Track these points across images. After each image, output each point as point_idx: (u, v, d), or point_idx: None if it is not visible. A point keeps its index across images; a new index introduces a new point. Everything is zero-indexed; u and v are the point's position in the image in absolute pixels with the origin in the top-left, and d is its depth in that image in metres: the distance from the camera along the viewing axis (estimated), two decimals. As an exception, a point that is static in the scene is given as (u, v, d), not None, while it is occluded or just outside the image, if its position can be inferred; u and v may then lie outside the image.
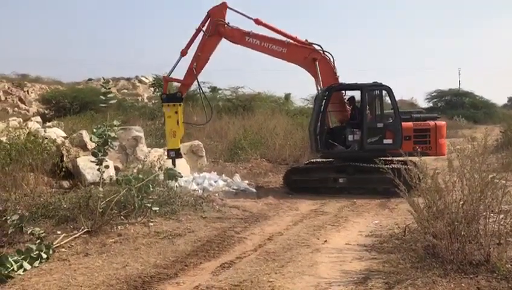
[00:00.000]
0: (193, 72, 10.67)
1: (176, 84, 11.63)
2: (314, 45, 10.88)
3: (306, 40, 10.94)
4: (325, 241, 6.51)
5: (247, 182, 11.15)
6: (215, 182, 10.45)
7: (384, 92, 10.57)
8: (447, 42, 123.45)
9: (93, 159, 7.01)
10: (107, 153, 6.90)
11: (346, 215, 8.24)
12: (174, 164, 10.32)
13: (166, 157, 10.54)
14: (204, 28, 10.69)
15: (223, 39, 10.85)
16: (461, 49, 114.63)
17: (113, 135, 6.89)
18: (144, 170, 8.57)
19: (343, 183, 10.19)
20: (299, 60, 10.90)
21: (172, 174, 7.14)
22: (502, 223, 5.30)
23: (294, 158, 14.81)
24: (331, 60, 10.85)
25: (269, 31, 10.91)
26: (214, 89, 29.65)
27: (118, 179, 7.12)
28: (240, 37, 10.80)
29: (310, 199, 9.64)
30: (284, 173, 11.24)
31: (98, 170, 6.87)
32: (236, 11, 10.84)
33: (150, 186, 7.01)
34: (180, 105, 10.59)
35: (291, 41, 10.86)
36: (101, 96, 7.30)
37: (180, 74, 10.92)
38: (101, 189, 6.77)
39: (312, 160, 11.88)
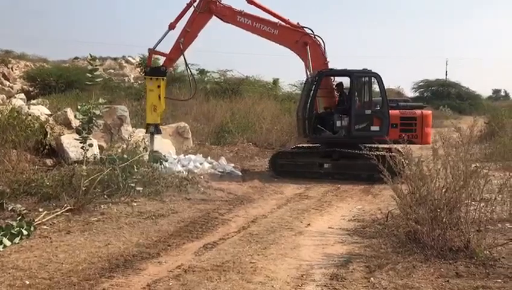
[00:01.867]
0: (179, 47, 10.51)
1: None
2: (305, 29, 10.81)
3: (298, 23, 10.87)
4: (308, 224, 6.55)
5: (232, 165, 11.13)
6: (200, 164, 10.40)
7: (373, 79, 10.54)
8: (436, 32, 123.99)
9: (77, 136, 6.93)
10: (91, 131, 6.82)
11: (330, 200, 8.29)
12: (152, 138, 10.18)
13: (145, 132, 10.33)
14: (195, 4, 10.51)
15: (214, 17, 10.69)
16: (450, 40, 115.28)
17: (98, 112, 6.80)
18: (129, 150, 8.49)
19: (328, 168, 10.23)
20: (289, 43, 10.82)
21: (157, 157, 7.09)
22: (482, 211, 5.38)
23: (281, 143, 14.83)
24: (322, 44, 10.80)
25: (261, 11, 10.83)
26: (202, 72, 29.40)
27: (102, 158, 7.07)
28: (231, 15, 10.67)
29: (295, 183, 9.67)
30: (270, 157, 11.24)
31: (82, 148, 6.79)
32: None
33: (135, 166, 6.95)
34: (163, 79, 10.38)
35: (283, 23, 10.78)
36: (88, 74, 7.18)
37: (166, 48, 10.76)
38: (84, 167, 6.70)
39: (298, 145, 11.89)
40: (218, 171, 10.33)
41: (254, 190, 8.94)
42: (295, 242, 5.69)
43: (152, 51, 10.79)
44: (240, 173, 10.50)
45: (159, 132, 10.44)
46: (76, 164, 8.33)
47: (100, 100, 6.94)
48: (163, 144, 11.31)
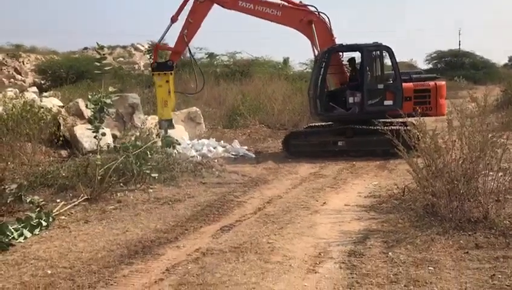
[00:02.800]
0: (184, 39, 10.44)
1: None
2: (309, 7, 10.63)
3: (300, 2, 10.69)
4: (324, 203, 6.52)
5: (246, 147, 11.12)
6: (214, 148, 10.42)
7: (384, 53, 10.36)
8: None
9: (89, 126, 6.96)
10: (103, 120, 6.84)
11: (345, 177, 8.24)
12: (166, 134, 9.97)
13: (158, 127, 10.33)
14: None
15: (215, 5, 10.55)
16: (461, 4, 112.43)
17: (108, 101, 6.81)
18: (142, 137, 8.52)
19: (342, 146, 10.13)
20: (294, 23, 10.65)
21: (169, 141, 7.10)
22: (500, 180, 5.29)
23: (294, 123, 14.72)
24: (327, 21, 10.62)
25: None
26: (211, 55, 29.29)
27: (116, 146, 7.10)
28: (232, 2, 10.53)
29: (309, 162, 9.62)
30: (283, 138, 11.18)
31: (95, 137, 6.82)
32: None
33: (148, 153, 6.98)
34: (171, 74, 10.31)
35: (286, 3, 10.61)
36: (96, 63, 7.18)
37: (171, 41, 10.84)
38: (98, 156, 6.74)
39: (311, 124, 11.81)
40: (232, 155, 10.34)
41: (268, 171, 8.92)
42: (311, 221, 5.68)
43: (158, 46, 10.84)
44: (254, 155, 10.49)
45: (171, 127, 10.40)
46: (90, 154, 8.41)
47: (110, 89, 6.94)
48: (176, 130, 11.32)
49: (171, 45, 10.94)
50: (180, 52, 10.95)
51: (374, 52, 10.16)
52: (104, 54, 6.99)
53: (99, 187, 6.77)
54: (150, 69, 28.59)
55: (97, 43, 7.16)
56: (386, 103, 9.85)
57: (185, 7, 10.48)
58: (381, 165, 8.99)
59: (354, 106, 10.08)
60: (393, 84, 9.95)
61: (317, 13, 10.56)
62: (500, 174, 5.47)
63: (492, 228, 4.85)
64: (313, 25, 10.42)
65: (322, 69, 10.11)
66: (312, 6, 10.60)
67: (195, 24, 10.52)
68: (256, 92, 17.87)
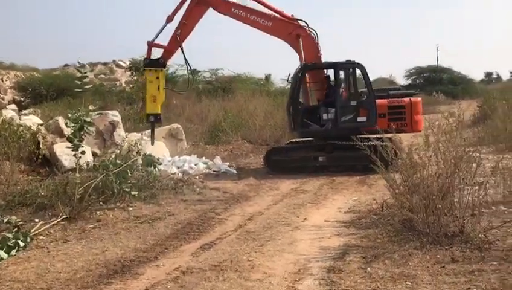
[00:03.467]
0: (177, 39, 10.70)
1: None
2: (299, 21, 10.85)
3: (292, 16, 10.92)
4: (305, 219, 6.57)
5: (227, 163, 11.13)
6: (195, 164, 10.41)
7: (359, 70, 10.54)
8: (426, 17, 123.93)
9: (69, 145, 6.91)
10: (83, 138, 6.80)
11: (325, 193, 8.31)
12: (153, 129, 10.63)
13: (145, 122, 10.69)
14: None
15: (210, 10, 10.82)
16: (440, 25, 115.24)
17: (88, 120, 6.78)
18: (122, 155, 8.48)
19: (323, 161, 10.24)
20: (283, 35, 10.88)
21: (150, 160, 7.08)
22: (475, 195, 5.41)
23: (275, 139, 14.80)
24: (316, 37, 10.82)
25: (255, 3, 10.89)
26: (193, 72, 29.33)
27: (95, 165, 7.05)
28: (226, 7, 10.83)
29: (290, 178, 9.68)
30: (264, 153, 11.24)
31: (75, 155, 6.77)
32: None
33: (128, 171, 6.95)
34: (161, 71, 10.70)
35: (277, 15, 10.84)
36: (77, 81, 7.16)
37: (164, 41, 10.96)
38: (77, 175, 6.69)
39: (292, 140, 11.90)
40: (214, 171, 10.34)
41: (250, 188, 8.95)
42: (292, 237, 5.71)
43: (151, 44, 10.96)
44: (235, 172, 10.51)
45: (159, 121, 10.85)
46: (70, 172, 8.33)
47: (90, 107, 6.93)
48: (157, 147, 11.30)
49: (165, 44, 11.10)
50: (172, 51, 11.09)
51: (347, 70, 10.33)
52: (85, 73, 6.97)
53: (79, 206, 6.71)
54: (131, 86, 28.62)
55: (78, 62, 7.18)
56: (360, 119, 10.00)
57: (182, 8, 10.76)
58: (361, 181, 9.10)
59: (327, 122, 10.22)
60: (367, 101, 10.11)
61: (306, 28, 10.76)
62: (476, 189, 5.59)
63: (468, 242, 4.95)
64: (301, 39, 10.61)
65: (297, 86, 10.26)
66: (303, 21, 10.81)
67: (189, 25, 10.80)
68: (238, 108, 17.97)
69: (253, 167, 11.52)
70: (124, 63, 43.19)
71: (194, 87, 24.36)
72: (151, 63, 10.76)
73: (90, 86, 7.03)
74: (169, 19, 10.71)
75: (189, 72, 12.00)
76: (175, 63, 23.81)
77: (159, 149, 11.23)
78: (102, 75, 42.89)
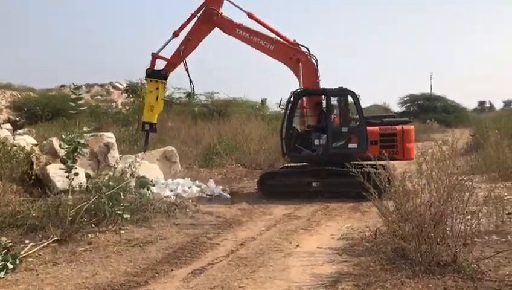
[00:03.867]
0: (180, 54, 11.11)
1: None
2: (301, 47, 11.06)
3: (294, 41, 11.15)
4: (297, 245, 6.53)
5: (221, 187, 11.10)
6: (188, 188, 10.37)
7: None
8: (420, 47, 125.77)
9: (62, 166, 6.88)
10: (76, 160, 6.78)
11: (319, 219, 8.29)
12: (147, 138, 11.08)
13: (140, 130, 11.11)
14: (199, 14, 11.11)
15: (215, 29, 11.21)
16: (433, 54, 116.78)
17: (82, 141, 6.78)
18: (115, 177, 8.45)
19: (317, 187, 10.23)
20: (284, 59, 11.13)
21: (143, 183, 7.06)
22: (468, 224, 5.42)
23: (269, 163, 14.83)
24: (316, 63, 10.99)
25: (260, 26, 11.19)
26: (189, 94, 29.49)
27: (88, 187, 7.02)
28: (230, 28, 11.17)
29: (283, 203, 9.66)
30: (258, 178, 11.23)
31: (67, 177, 6.74)
32: (231, 2, 11.22)
33: (121, 193, 6.92)
34: (162, 82, 11.12)
35: (280, 39, 11.05)
36: (71, 103, 7.17)
37: (169, 54, 11.37)
38: (70, 197, 6.65)
39: (286, 164, 11.91)
40: (207, 195, 10.30)
41: (243, 212, 8.91)
42: (284, 264, 5.67)
43: (155, 55, 11.32)
44: (229, 196, 10.47)
45: (154, 130, 11.29)
46: (63, 194, 8.26)
47: (85, 128, 6.94)
48: (151, 169, 11.27)
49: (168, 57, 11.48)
50: (175, 64, 11.43)
51: (339, 96, 10.44)
52: (80, 94, 7.01)
53: (70, 228, 6.65)
54: (127, 107, 28.66)
55: (73, 84, 7.22)
56: (351, 146, 10.06)
57: (188, 25, 11.18)
58: (355, 207, 9.09)
59: (319, 148, 10.27)
60: (358, 128, 10.18)
61: (307, 54, 10.93)
62: (468, 217, 5.60)
63: (461, 271, 4.92)
64: (300, 64, 10.77)
65: (288, 111, 10.35)
66: (304, 47, 11.02)
67: (193, 42, 11.23)
68: (233, 131, 18.02)
69: (246, 191, 11.49)
70: (121, 84, 43.44)
71: (189, 110, 24.58)
72: (153, 74, 11.19)
73: (85, 107, 7.05)
74: (176, 34, 11.12)
75: (191, 83, 12.03)
76: (171, 86, 23.95)
77: (153, 171, 11.20)
78: (99, 97, 43.10)
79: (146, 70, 11.38)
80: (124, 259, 5.97)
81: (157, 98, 11.02)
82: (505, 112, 32.75)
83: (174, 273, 5.46)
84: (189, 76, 11.69)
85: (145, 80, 11.62)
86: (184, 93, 28.80)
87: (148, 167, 11.31)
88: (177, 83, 27.21)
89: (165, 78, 11.27)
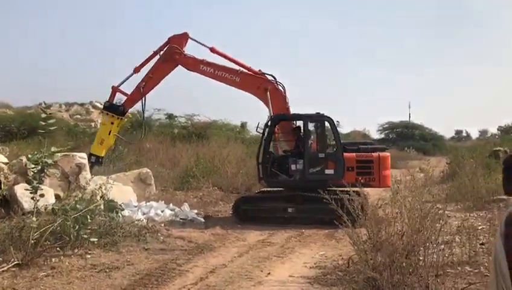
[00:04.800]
0: (140, 91, 10.92)
1: None
2: (267, 75, 11.03)
3: (259, 70, 11.09)
4: (269, 273, 6.37)
5: (196, 211, 10.89)
6: (161, 211, 10.13)
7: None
8: (399, 76, 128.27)
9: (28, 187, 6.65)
10: (42, 180, 6.57)
11: (293, 246, 8.14)
12: (91, 169, 10.76)
13: (87, 160, 10.77)
14: (161, 53, 10.98)
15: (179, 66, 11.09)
16: (412, 82, 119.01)
17: (50, 161, 6.57)
18: (84, 198, 8.19)
19: (292, 212, 10.11)
20: (251, 89, 11.04)
21: (112, 206, 6.85)
22: (441, 254, 5.35)
23: (247, 187, 14.66)
24: (283, 90, 10.97)
25: (224, 59, 11.13)
26: (170, 116, 29.34)
27: (54, 209, 6.77)
28: (194, 64, 11.06)
29: (258, 229, 9.48)
30: (233, 202, 11.06)
31: (32, 198, 6.50)
32: (195, 40, 11.17)
33: (88, 217, 6.68)
34: (118, 118, 10.93)
35: (245, 70, 10.97)
36: (41, 122, 6.99)
37: (129, 89, 11.21)
38: (34, 219, 6.39)
39: (263, 189, 11.79)
40: (180, 219, 10.06)
41: (216, 238, 8.71)
42: (253, 293, 5.50)
43: (115, 89, 11.14)
44: (203, 220, 10.25)
45: (99, 163, 11.15)
46: (30, 215, 7.96)
47: (53, 148, 6.72)
48: (125, 191, 11.03)
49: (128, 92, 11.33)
50: (134, 101, 11.28)
51: (316, 122, 10.44)
52: (50, 114, 6.84)
53: (33, 252, 6.36)
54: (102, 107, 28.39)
55: (44, 102, 7.08)
56: (327, 172, 10.01)
57: (150, 62, 11.03)
58: (329, 234, 8.97)
59: (295, 173, 10.21)
60: (334, 154, 10.17)
61: (274, 82, 10.91)
62: (442, 247, 5.55)
63: (433, 303, 4.83)
64: (268, 93, 10.72)
65: (265, 137, 10.29)
66: (270, 75, 10.99)
67: (155, 80, 11.07)
68: (211, 154, 17.85)
69: (222, 215, 11.29)
70: (101, 104, 43.08)
71: (168, 132, 24.40)
72: (111, 107, 11.04)
73: (55, 127, 6.88)
74: (136, 70, 10.99)
75: (143, 122, 12.79)
76: (151, 107, 23.79)
77: (126, 194, 10.97)
78: (78, 116, 42.55)
79: (104, 103, 11.32)
80: (87, 286, 5.73)
81: (109, 133, 10.83)
82: (481, 141, 33.35)
83: (139, 301, 5.23)
84: (143, 117, 12.33)
85: (102, 112, 11.52)
86: (165, 115, 28.70)
87: (122, 189, 11.08)
88: (156, 103, 27.15)
89: (123, 114, 11.10)
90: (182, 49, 10.98)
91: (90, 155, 10.87)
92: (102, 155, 11.02)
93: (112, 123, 10.82)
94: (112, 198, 7.96)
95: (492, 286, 2.27)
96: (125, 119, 12.20)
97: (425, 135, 45.28)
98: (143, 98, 11.04)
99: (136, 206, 10.14)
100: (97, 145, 10.97)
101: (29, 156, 6.54)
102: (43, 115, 6.96)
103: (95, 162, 10.86)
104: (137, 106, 14.18)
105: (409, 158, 28.16)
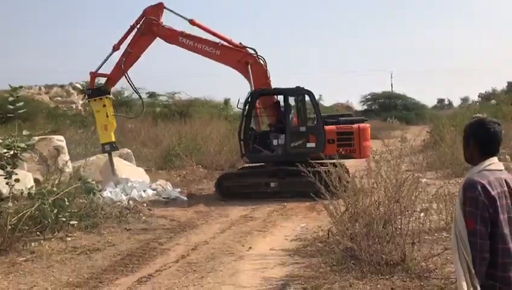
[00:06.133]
0: (121, 67, 10.64)
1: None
2: (248, 49, 10.84)
3: (240, 43, 10.89)
4: (250, 248, 6.41)
5: (179, 190, 10.86)
6: (144, 191, 10.08)
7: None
8: (379, 43, 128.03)
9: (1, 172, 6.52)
10: (16, 165, 6.44)
11: (274, 219, 8.19)
12: (110, 158, 10.57)
13: (102, 152, 10.64)
14: (138, 26, 10.67)
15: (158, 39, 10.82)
16: (393, 51, 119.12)
17: (23, 146, 6.44)
18: (63, 181, 8.10)
19: (275, 187, 10.14)
20: (232, 63, 10.85)
21: (89, 188, 6.76)
22: (417, 222, 5.41)
23: (231, 164, 14.63)
24: (264, 64, 10.84)
25: (204, 32, 10.86)
26: (151, 95, 29.00)
27: (30, 193, 6.68)
28: (173, 37, 10.79)
29: (241, 204, 9.50)
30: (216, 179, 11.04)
31: (7, 183, 6.39)
32: (172, 11, 10.86)
33: (66, 199, 6.61)
34: (107, 98, 10.63)
35: (225, 43, 10.79)
36: (9, 106, 6.81)
37: (109, 70, 10.90)
38: (10, 204, 6.29)
39: (245, 165, 11.77)
40: (163, 198, 10.04)
41: (199, 215, 8.72)
42: (234, 268, 5.54)
43: (94, 74, 10.87)
44: (186, 198, 10.24)
45: (115, 149, 10.74)
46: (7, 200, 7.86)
47: (24, 132, 6.59)
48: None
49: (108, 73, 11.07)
50: (115, 79, 11.06)
51: (296, 96, 10.39)
52: (17, 96, 6.66)
53: (11, 237, 6.29)
54: (86, 108, 27.92)
55: (9, 85, 6.86)
56: (309, 145, 10.01)
57: (128, 37, 10.72)
58: (311, 207, 9.01)
59: (277, 148, 10.20)
60: (315, 127, 10.16)
61: (255, 56, 10.76)
62: (418, 215, 5.61)
63: (409, 270, 4.91)
64: (249, 66, 10.59)
65: (246, 112, 10.22)
66: (252, 48, 10.81)
67: (135, 54, 10.78)
68: (194, 132, 17.74)
69: (205, 193, 11.28)
70: (82, 85, 42.33)
71: (150, 111, 24.12)
72: (94, 93, 10.71)
73: (24, 110, 6.71)
74: (116, 48, 10.67)
75: (140, 96, 12.30)
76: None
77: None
78: (59, 98, 41.81)
79: (86, 91, 11.10)
80: (67, 268, 5.70)
81: (107, 115, 10.53)
82: (462, 109, 33.66)
83: (119, 281, 5.23)
84: (135, 90, 11.62)
85: (88, 101, 11.23)
86: (146, 93, 28.32)
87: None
88: (137, 83, 26.77)
89: (108, 92, 10.84)
90: (158, 21, 10.72)
91: (102, 146, 10.55)
92: (113, 140, 10.61)
93: (104, 106, 10.52)
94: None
95: (453, 251, 2.30)
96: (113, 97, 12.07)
97: (408, 105, 45.58)
98: (127, 75, 10.84)
99: (117, 188, 10.05)
100: (103, 133, 10.56)
101: (0, 140, 6.38)
102: (11, 99, 6.75)
103: (110, 149, 10.48)
104: (117, 86, 14.11)
105: (391, 128, 28.35)
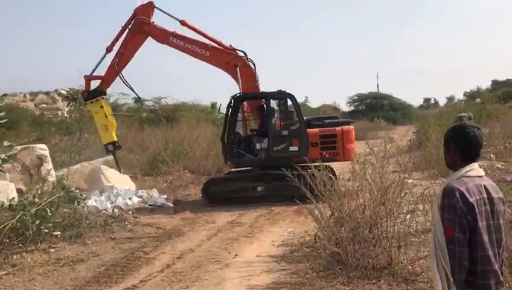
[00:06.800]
0: (115, 68, 10.75)
1: None
2: (238, 51, 10.86)
3: (230, 45, 10.91)
4: (236, 255, 6.35)
5: (165, 196, 10.75)
6: (129, 199, 9.96)
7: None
8: (365, 45, 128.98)
9: (-18, 183, 6.40)
10: (-4, 176, 6.31)
11: (261, 225, 8.13)
12: (115, 158, 10.86)
13: (106, 153, 10.90)
14: (130, 26, 10.79)
15: (150, 39, 10.93)
16: (378, 52, 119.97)
17: (3, 157, 6.32)
18: (46, 191, 7.95)
19: (262, 191, 10.07)
20: (221, 64, 10.89)
21: (73, 197, 6.66)
22: (406, 223, 5.40)
23: (218, 168, 14.55)
24: (253, 67, 10.82)
25: (195, 33, 10.92)
26: (137, 100, 28.74)
27: (11, 205, 6.55)
28: (163, 36, 10.89)
29: (228, 210, 9.43)
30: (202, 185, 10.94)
31: (-13, 195, 6.27)
32: (163, 11, 10.97)
33: (48, 210, 6.50)
34: (103, 98, 10.81)
35: (215, 44, 10.79)
36: (-11, 115, 6.70)
37: (103, 72, 11.01)
38: (-11, 216, 6.17)
39: (232, 170, 11.70)
40: (149, 205, 9.92)
41: (185, 222, 8.62)
42: (220, 277, 5.48)
43: (89, 77, 10.98)
44: (172, 205, 10.14)
45: (118, 148, 11.05)
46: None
47: (5, 143, 6.47)
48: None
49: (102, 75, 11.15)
50: (110, 81, 11.12)
51: (278, 100, 10.36)
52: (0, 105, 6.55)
53: (-9, 250, 6.17)
54: (72, 115, 27.65)
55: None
56: (292, 149, 9.98)
57: (121, 38, 10.83)
58: (298, 211, 8.92)
59: (260, 152, 10.16)
60: (298, 130, 10.11)
61: (244, 58, 10.75)
62: (404, 217, 5.59)
63: (395, 274, 4.89)
64: (238, 69, 10.57)
65: (229, 116, 10.18)
66: (241, 51, 10.84)
67: (127, 55, 10.90)
68: (181, 137, 17.63)
69: (192, 198, 11.18)
70: (67, 91, 41.92)
71: (136, 116, 23.94)
72: (90, 95, 10.85)
73: (5, 120, 6.58)
74: (109, 49, 10.80)
75: (136, 95, 12.44)
76: (115, 92, 23.23)
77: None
78: (44, 105, 41.37)
79: (82, 94, 11.19)
80: (49, 281, 5.60)
81: (106, 116, 10.66)
82: (448, 108, 33.90)
83: (103, 293, 5.14)
84: (132, 89, 11.53)
85: (85, 104, 11.36)
86: (132, 98, 28.09)
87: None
88: (120, 88, 26.56)
89: (104, 93, 10.97)
90: (149, 20, 10.77)
91: (106, 146, 10.74)
92: (115, 139, 10.86)
93: (102, 106, 10.67)
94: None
95: (432, 256, 2.29)
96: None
97: (394, 105, 45.79)
98: (121, 75, 10.90)
99: (102, 195, 9.92)
100: (104, 133, 10.77)
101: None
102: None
103: (113, 148, 10.71)
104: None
105: (378, 129, 28.48)
